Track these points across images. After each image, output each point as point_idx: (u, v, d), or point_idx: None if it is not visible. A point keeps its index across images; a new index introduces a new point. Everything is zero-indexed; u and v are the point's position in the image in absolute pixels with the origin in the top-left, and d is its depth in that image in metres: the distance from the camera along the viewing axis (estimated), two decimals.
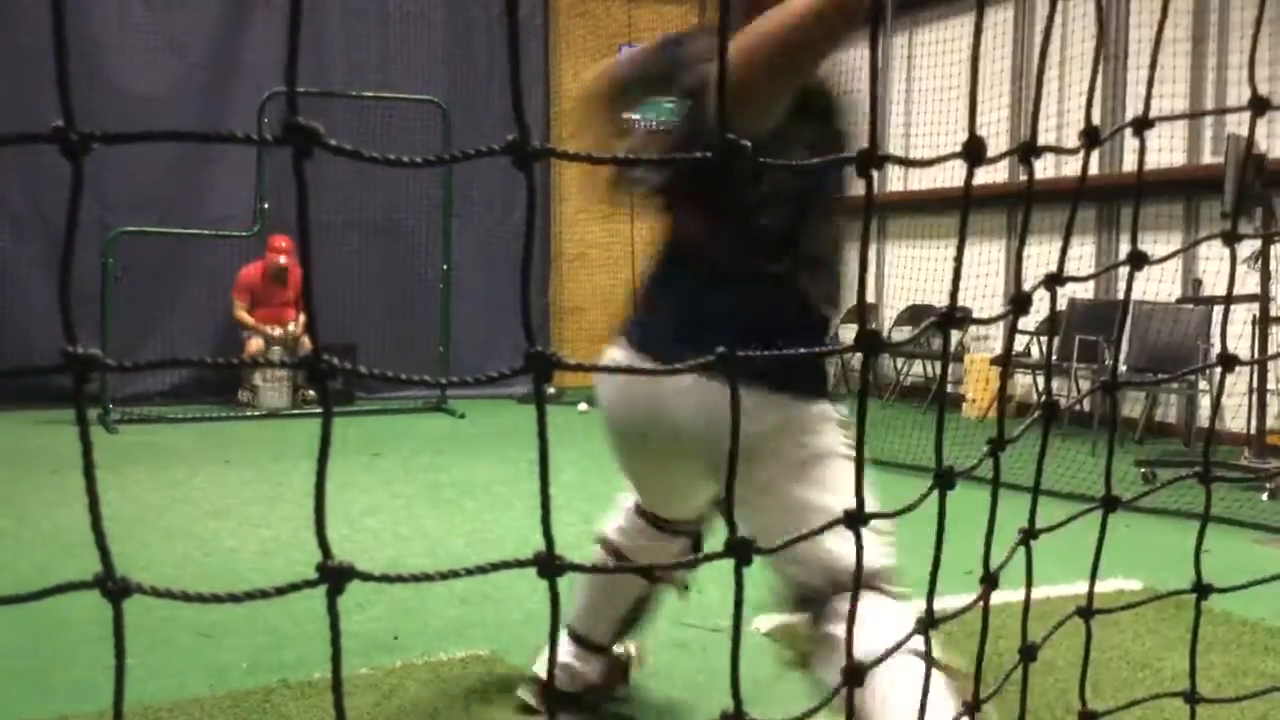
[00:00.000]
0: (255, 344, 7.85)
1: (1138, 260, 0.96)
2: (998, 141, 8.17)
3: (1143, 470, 5.54)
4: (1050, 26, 0.88)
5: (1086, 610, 1.07)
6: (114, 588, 0.59)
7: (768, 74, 1.43)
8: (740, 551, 0.69)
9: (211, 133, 0.65)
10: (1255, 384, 5.78)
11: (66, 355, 0.55)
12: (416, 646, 2.97)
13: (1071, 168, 7.18)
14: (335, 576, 0.60)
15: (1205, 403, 6.96)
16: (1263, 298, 5.39)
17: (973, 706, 0.75)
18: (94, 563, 0.60)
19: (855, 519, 0.71)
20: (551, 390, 8.96)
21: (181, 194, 7.90)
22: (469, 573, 0.68)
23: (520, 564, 0.66)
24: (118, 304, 7.01)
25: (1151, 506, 4.58)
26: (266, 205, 7.21)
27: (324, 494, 0.67)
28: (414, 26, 8.50)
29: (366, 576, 0.64)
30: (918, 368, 8.90)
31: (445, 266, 7.90)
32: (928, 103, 8.80)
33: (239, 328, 7.94)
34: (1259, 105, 0.98)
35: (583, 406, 8.08)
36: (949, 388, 7.73)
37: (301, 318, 7.98)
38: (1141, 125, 0.95)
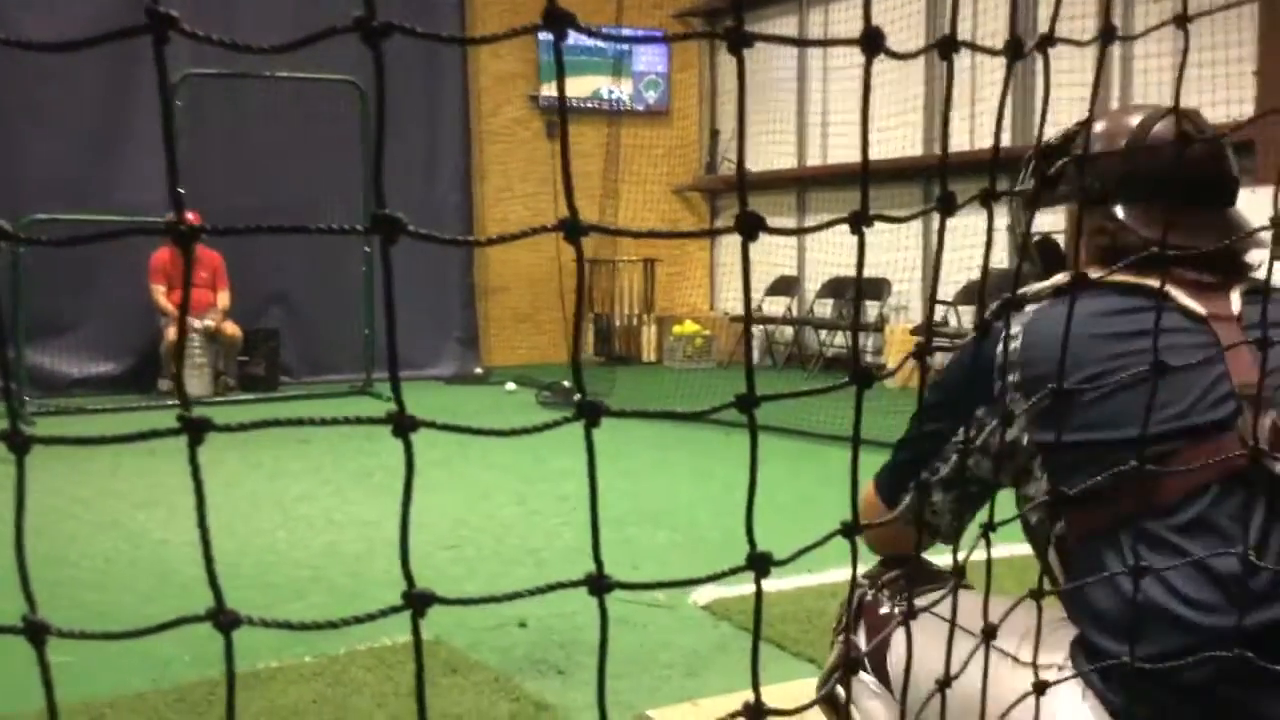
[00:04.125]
0: (174, 332, 7.70)
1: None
2: (914, 118, 8.31)
3: None
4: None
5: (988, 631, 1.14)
6: (225, 620, 0.61)
7: None
8: (758, 566, 0.73)
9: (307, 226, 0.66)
10: None
11: None
12: (359, 632, 2.98)
13: (985, 140, 7.34)
14: (418, 601, 0.64)
15: None
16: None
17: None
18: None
19: (851, 530, 0.76)
20: (479, 371, 8.95)
21: (95, 178, 7.72)
22: (531, 593, 0.72)
23: (573, 584, 0.70)
24: (32, 294, 6.83)
25: None
26: (182, 190, 7.05)
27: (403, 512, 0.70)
28: (329, 5, 8.34)
29: (444, 600, 0.67)
30: (840, 339, 9.03)
31: (366, 249, 7.82)
32: (846, 80, 8.92)
33: (157, 315, 7.79)
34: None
35: (510, 386, 8.09)
36: (868, 358, 7.74)
37: (220, 303, 7.85)
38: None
